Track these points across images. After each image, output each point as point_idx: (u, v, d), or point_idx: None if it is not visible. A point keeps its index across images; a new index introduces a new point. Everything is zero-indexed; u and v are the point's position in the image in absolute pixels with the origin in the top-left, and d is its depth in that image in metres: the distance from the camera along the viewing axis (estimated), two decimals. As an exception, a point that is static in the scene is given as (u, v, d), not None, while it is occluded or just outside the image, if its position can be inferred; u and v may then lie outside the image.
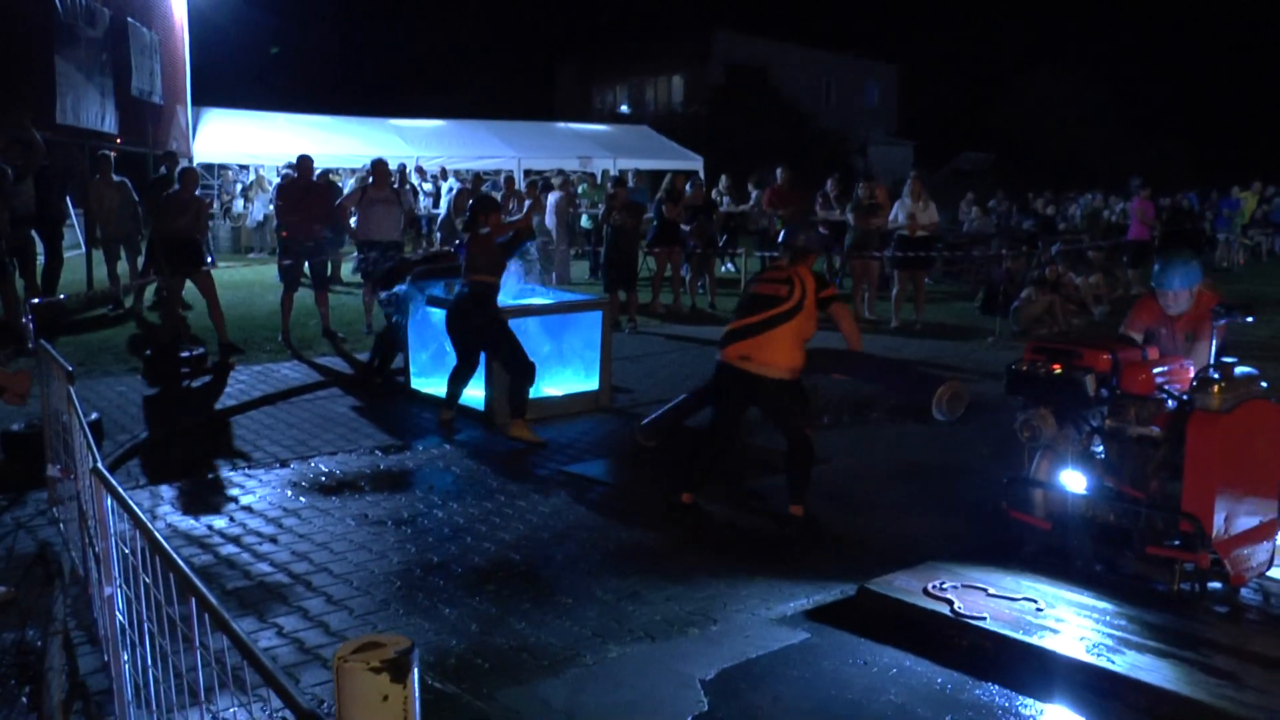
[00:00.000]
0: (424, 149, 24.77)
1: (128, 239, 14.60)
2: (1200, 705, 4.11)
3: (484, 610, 5.11)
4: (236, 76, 35.26)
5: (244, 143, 23.52)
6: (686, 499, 6.60)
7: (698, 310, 15.71)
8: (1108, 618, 4.84)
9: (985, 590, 5.04)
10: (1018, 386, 5.69)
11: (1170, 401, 5.35)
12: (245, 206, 24.05)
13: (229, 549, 5.91)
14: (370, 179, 13.53)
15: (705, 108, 43.80)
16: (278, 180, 17.95)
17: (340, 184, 19.68)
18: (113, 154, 14.88)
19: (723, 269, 19.25)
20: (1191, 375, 5.48)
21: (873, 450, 8.17)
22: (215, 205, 24.50)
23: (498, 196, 20.77)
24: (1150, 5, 52.60)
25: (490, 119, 29.29)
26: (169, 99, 20.29)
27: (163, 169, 15.42)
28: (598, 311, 9.67)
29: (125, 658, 3.01)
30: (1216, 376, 5.18)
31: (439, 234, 19.48)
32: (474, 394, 8.90)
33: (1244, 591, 5.17)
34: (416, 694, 1.65)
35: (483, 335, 8.48)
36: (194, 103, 22.38)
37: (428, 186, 22.07)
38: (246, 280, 18.35)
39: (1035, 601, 4.94)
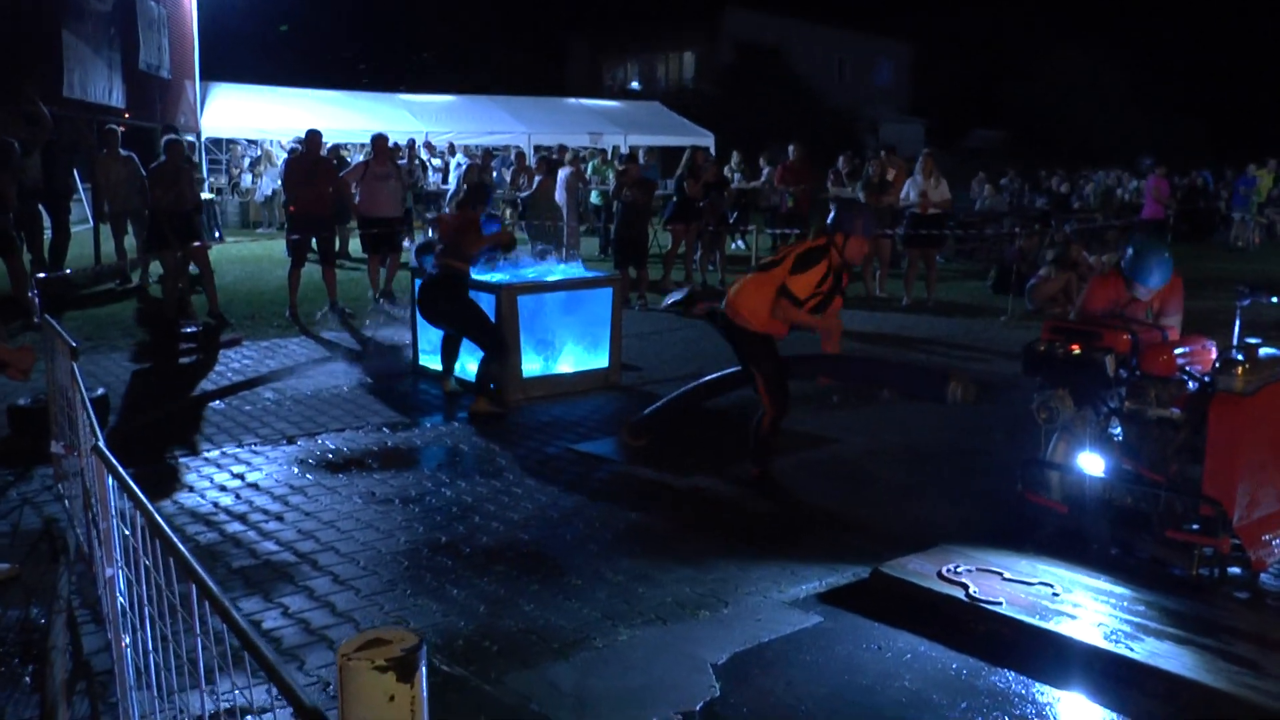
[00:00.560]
0: (433, 124, 24.65)
1: (135, 214, 14.52)
2: (1220, 694, 4.03)
3: (492, 591, 5.04)
4: (246, 51, 35.07)
5: (252, 117, 23.40)
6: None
7: (708, 287, 15.60)
8: (1125, 603, 4.76)
9: (1001, 574, 4.96)
10: (1036, 367, 5.61)
11: (1192, 383, 5.27)
12: (253, 181, 23.98)
13: (235, 526, 5.85)
14: (372, 155, 13.52)
15: (716, 85, 43.55)
16: (286, 155, 17.85)
17: (350, 159, 19.62)
18: (120, 128, 14.80)
19: (733, 246, 19.15)
20: (1214, 356, 5.38)
21: (883, 430, 8.08)
22: (224, 179, 24.46)
23: (508, 172, 20.79)
24: (1165, -18, 52.12)
25: (500, 94, 29.14)
26: (177, 73, 20.18)
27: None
28: (608, 288, 9.58)
29: (127, 640, 2.94)
30: (1240, 358, 5.09)
31: (447, 210, 19.41)
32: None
33: (1264, 577, 5.10)
34: (425, 693, 1.57)
35: (451, 319, 8.57)
36: (202, 77, 22.25)
37: (437, 162, 21.97)
38: (254, 255, 18.30)
39: (1051, 586, 4.86)
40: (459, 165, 20.23)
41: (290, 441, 7.55)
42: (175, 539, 2.35)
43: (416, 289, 9.29)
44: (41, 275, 9.93)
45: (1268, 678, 4.12)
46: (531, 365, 9.14)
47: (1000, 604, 4.67)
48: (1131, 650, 4.32)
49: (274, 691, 1.73)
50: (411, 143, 20.78)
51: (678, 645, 4.51)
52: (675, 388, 9.28)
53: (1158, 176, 20.17)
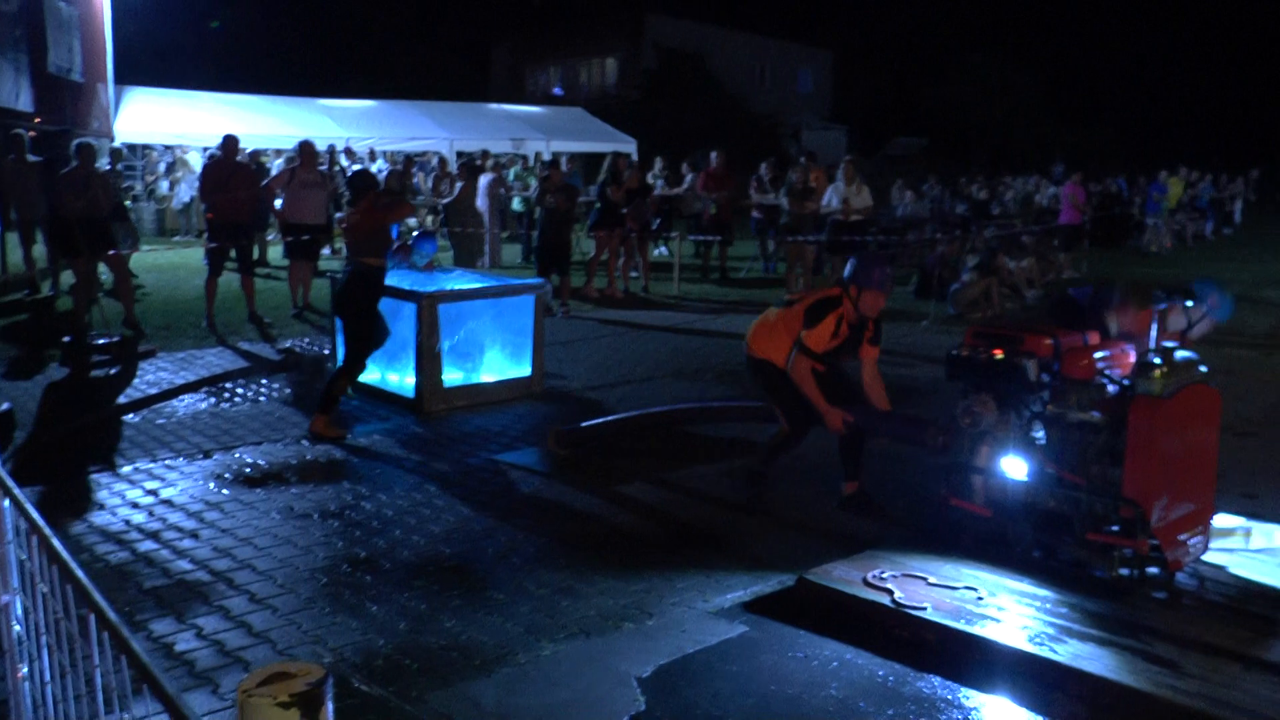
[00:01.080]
0: (354, 130, 24.32)
1: (44, 221, 14.14)
2: (1142, 694, 4.07)
3: (413, 607, 4.95)
4: (162, 54, 34.43)
5: (169, 122, 22.88)
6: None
7: (631, 294, 15.57)
8: (1049, 606, 4.79)
9: (926, 579, 4.97)
10: (959, 372, 5.63)
11: (1111, 386, 5.31)
12: (171, 188, 23.48)
13: (148, 545, 5.68)
14: (298, 161, 13.31)
15: (639, 90, 43.61)
16: (203, 161, 17.50)
17: (269, 165, 19.29)
18: (29, 133, 14.39)
19: (656, 253, 19.16)
20: (1132, 360, 5.44)
21: (809, 437, 8.07)
22: (139, 186, 23.91)
23: (428, 178, 20.58)
24: (1081, -8, 53.28)
25: (423, 100, 28.87)
26: (90, 76, 19.68)
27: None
28: (530, 296, 9.49)
29: (24, 670, 2.81)
30: (1158, 361, 5.15)
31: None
32: (405, 380, 8.71)
33: (1180, 577, 5.15)
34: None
35: (354, 315, 8.22)
36: (116, 81, 21.73)
37: (358, 168, 21.68)
38: (171, 264, 17.90)
39: (976, 590, 4.88)
40: (380, 171, 19.99)
41: (206, 456, 7.36)
42: (73, 564, 2.23)
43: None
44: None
45: (1186, 677, 4.17)
46: (453, 375, 9.02)
47: (925, 609, 4.67)
48: (1055, 653, 4.35)
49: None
50: (332, 148, 20.49)
51: (602, 659, 4.45)
52: (599, 395, 9.30)
53: (1073, 183, 20.53)
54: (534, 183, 18.47)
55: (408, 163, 20.91)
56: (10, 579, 2.77)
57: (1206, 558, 5.35)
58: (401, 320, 8.72)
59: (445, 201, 17.93)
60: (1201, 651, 4.39)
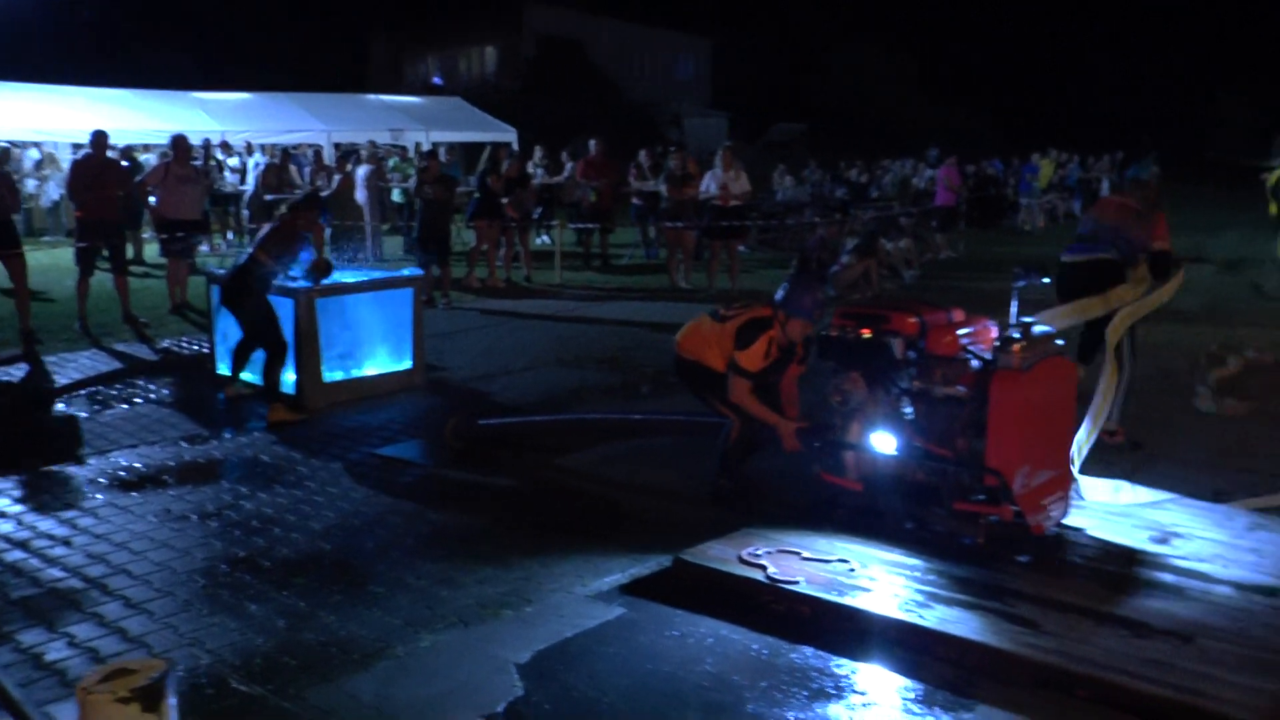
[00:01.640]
0: (229, 123, 23.80)
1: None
2: (1004, 653, 4.26)
3: (292, 605, 4.93)
4: (27, 48, 33.26)
5: (35, 118, 22.12)
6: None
7: (513, 284, 15.56)
8: (918, 574, 4.96)
9: (799, 554, 5.11)
10: (828, 352, 5.78)
11: (974, 361, 5.49)
12: (38, 186, 22.72)
13: (15, 555, 5.54)
14: (172, 156, 13.04)
15: (518, 80, 43.43)
16: (72, 158, 16.98)
17: (142, 161, 18.81)
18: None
19: (538, 241, 19.16)
20: (994, 335, 5.63)
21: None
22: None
23: (305, 171, 20.25)
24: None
25: (299, 91, 28.34)
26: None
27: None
28: (409, 289, 9.45)
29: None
30: (1017, 336, 5.35)
31: (246, 211, 18.83)
32: (285, 377, 8.60)
33: (1043, 540, 5.36)
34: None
35: (241, 311, 8.39)
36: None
37: (234, 162, 21.25)
38: (41, 265, 17.26)
39: (848, 562, 5.03)
40: (257, 165, 19.63)
41: (80, 462, 7.19)
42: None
43: (217, 291, 9.03)
44: None
45: (1045, 635, 4.37)
46: (333, 370, 8.94)
47: (799, 583, 4.80)
48: (923, 619, 4.51)
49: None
50: (207, 143, 20.04)
51: (481, 647, 4.49)
52: (481, 386, 9.30)
53: (948, 166, 21.05)
54: (413, 173, 18.32)
55: (284, 156, 20.52)
56: None
57: (1068, 520, 5.58)
58: (280, 316, 8.62)
59: (324, 195, 17.66)
60: (1060, 610, 4.60)
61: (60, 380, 9.46)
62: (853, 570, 4.96)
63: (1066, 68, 54.29)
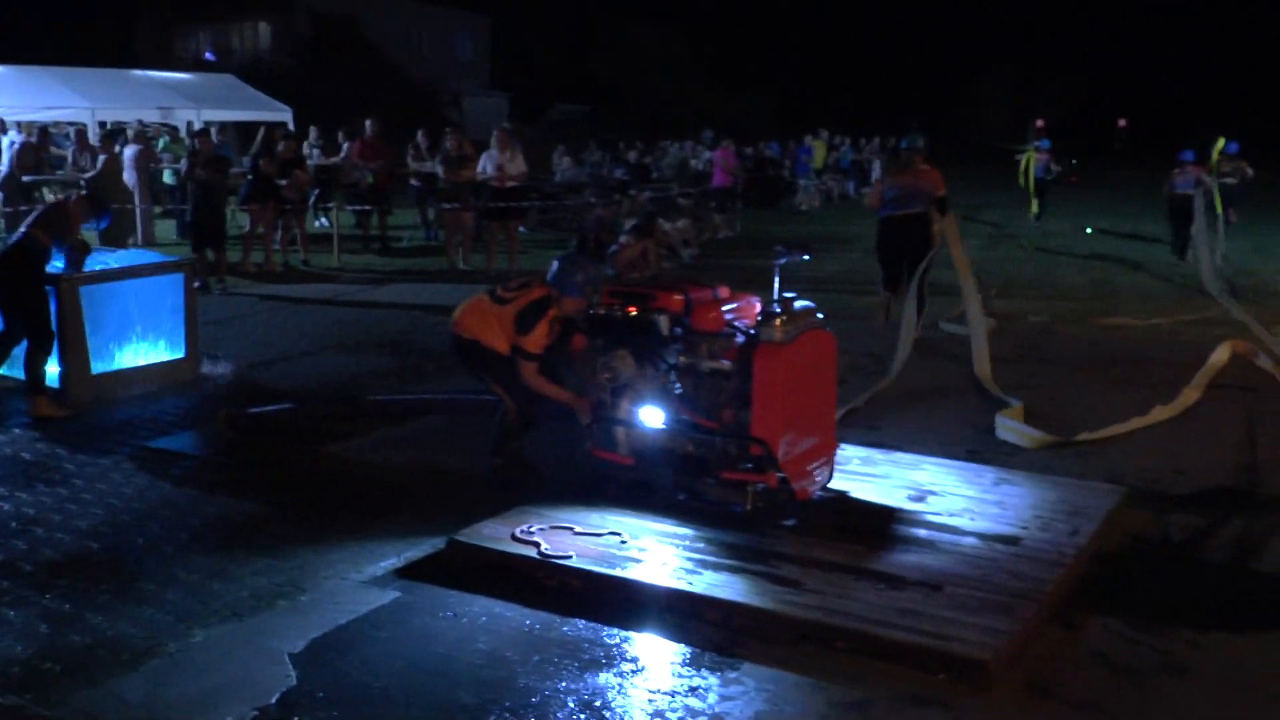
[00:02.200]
0: (-20, 99, 22.24)
1: None
2: (767, 612, 4.46)
3: (56, 608, 4.72)
4: None
5: None
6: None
7: (290, 268, 15.15)
8: (688, 542, 5.11)
9: (572, 529, 5.19)
10: (598, 330, 5.86)
11: (739, 336, 5.67)
12: None
13: None
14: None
15: (293, 57, 42.11)
16: None
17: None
18: None
19: (316, 224, 18.70)
20: (758, 310, 5.82)
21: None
22: None
23: (68, 154, 19.13)
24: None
25: (59, 65, 26.69)
26: None
27: None
28: (179, 274, 9.08)
29: None
30: (778, 310, 5.55)
31: (0, 193, 17.66)
32: (49, 370, 8.15)
33: (808, 506, 5.59)
34: None
35: (17, 297, 7.90)
36: None
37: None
38: None
39: (620, 535, 5.14)
40: (11, 144, 18.39)
41: None
42: None
43: None
44: None
45: (806, 592, 4.59)
46: (101, 361, 8.51)
47: (570, 557, 4.88)
48: (691, 585, 4.66)
49: None
50: (-46, 121, 18.68)
51: (254, 639, 4.41)
52: (258, 374, 9.06)
53: (724, 148, 21.56)
54: (185, 155, 17.58)
55: (43, 134, 19.32)
56: None
57: (832, 485, 5.83)
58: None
59: (88, 176, 16.71)
60: (822, 569, 4.83)
61: None
62: (624, 542, 5.07)
63: (840, 53, 56.31)
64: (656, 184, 22.74)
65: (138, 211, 17.26)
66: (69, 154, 18.92)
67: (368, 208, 17.34)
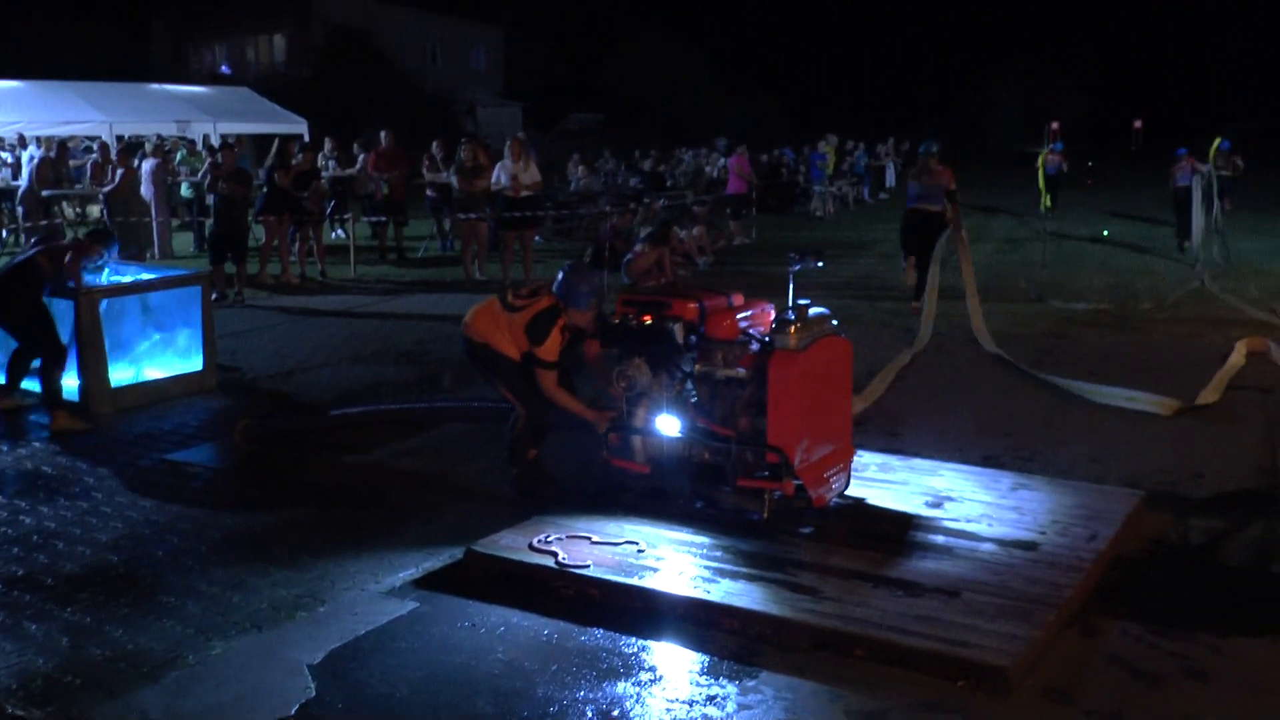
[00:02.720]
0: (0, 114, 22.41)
1: None
2: (785, 621, 4.45)
3: (77, 621, 4.75)
4: None
5: None
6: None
7: (308, 279, 15.22)
8: (705, 551, 5.11)
9: (589, 539, 5.20)
10: (612, 339, 5.88)
11: (753, 344, 5.68)
12: None
13: None
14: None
15: (308, 69, 42.29)
16: None
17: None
18: None
19: (332, 235, 18.78)
20: (772, 317, 5.83)
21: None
22: None
23: (87, 164, 19.23)
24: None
25: (77, 80, 26.86)
26: None
27: None
28: (197, 287, 9.15)
29: None
30: (793, 318, 5.55)
31: (21, 208, 17.81)
32: (68, 384, 8.22)
33: (825, 513, 5.59)
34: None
35: (20, 317, 8.01)
36: None
37: (5, 155, 20.05)
38: None
39: (637, 544, 5.15)
40: (31, 159, 18.53)
41: None
42: None
43: None
44: None
45: (824, 600, 4.58)
46: (121, 374, 8.59)
47: (588, 567, 4.89)
48: (709, 593, 4.66)
49: None
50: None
51: (274, 651, 4.43)
52: (274, 385, 9.11)
53: (738, 155, 21.55)
54: (202, 167, 17.69)
55: (61, 148, 19.46)
56: None
57: (849, 492, 5.83)
58: (62, 319, 8.22)
59: (107, 190, 16.82)
60: (839, 576, 4.82)
61: None
62: (641, 551, 5.08)
63: (854, 59, 56.24)
64: (671, 192, 22.75)
65: (155, 224, 17.36)
66: (88, 165, 19.06)
67: (383, 219, 17.41)
